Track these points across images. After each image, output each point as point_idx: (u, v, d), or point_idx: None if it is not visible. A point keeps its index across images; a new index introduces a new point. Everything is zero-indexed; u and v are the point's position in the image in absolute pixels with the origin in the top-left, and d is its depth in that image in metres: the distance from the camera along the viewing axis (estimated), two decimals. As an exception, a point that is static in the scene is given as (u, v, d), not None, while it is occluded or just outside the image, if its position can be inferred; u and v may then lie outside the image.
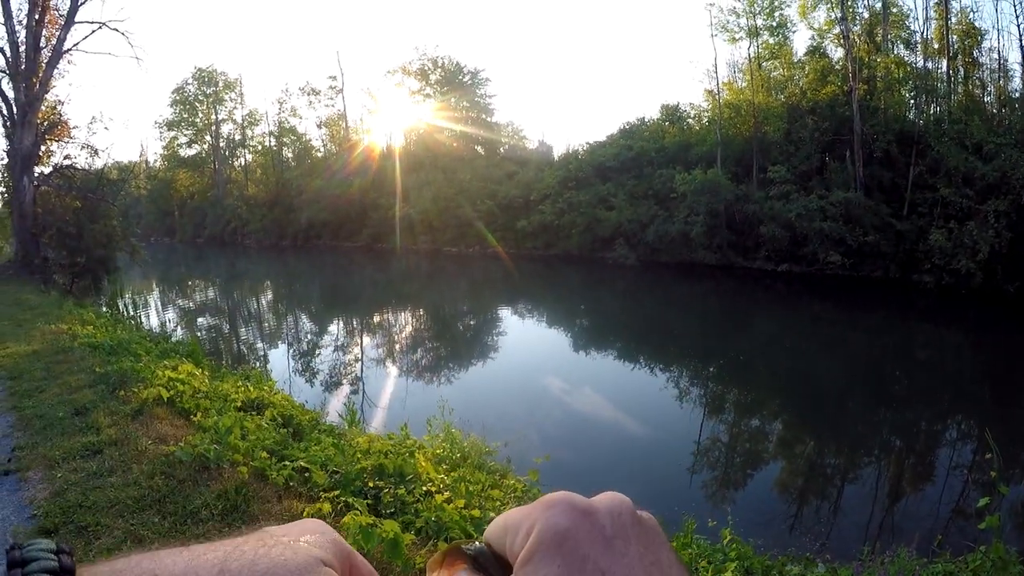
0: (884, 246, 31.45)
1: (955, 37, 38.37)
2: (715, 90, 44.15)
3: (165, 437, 6.15)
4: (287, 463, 5.63)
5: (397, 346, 21.97)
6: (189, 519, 4.55)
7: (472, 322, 27.25)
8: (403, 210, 50.68)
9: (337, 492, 5.11)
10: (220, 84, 70.77)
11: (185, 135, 72.04)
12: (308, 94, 67.42)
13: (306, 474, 5.54)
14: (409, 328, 25.95)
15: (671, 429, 13.72)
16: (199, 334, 21.87)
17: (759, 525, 9.18)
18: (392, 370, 18.30)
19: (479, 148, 61.80)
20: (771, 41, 43.11)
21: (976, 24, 39.15)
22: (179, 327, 23.93)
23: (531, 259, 42.17)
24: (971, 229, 28.57)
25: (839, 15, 38.75)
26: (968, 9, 40.80)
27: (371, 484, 5.48)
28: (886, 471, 12.28)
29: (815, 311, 28.33)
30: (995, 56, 39.32)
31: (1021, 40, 37.91)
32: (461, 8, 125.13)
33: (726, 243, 35.43)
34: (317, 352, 21.11)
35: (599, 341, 22.81)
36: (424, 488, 5.58)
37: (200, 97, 70.98)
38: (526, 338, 23.36)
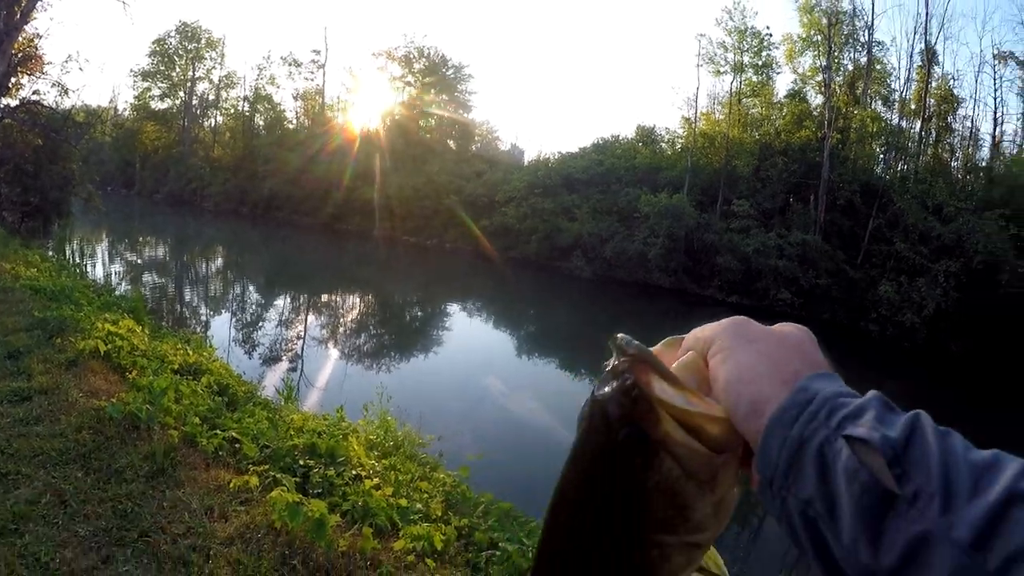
0: (835, 291, 32.17)
1: (933, 101, 39.78)
2: (692, 118, 44.70)
3: (97, 391, 6.06)
4: (219, 432, 5.59)
5: (342, 329, 21.83)
6: (113, 478, 4.49)
7: (420, 313, 27.19)
8: (368, 194, 50.21)
9: (266, 467, 5.07)
10: (203, 41, 69.46)
11: (159, 87, 70.26)
12: (289, 64, 66.11)
13: (237, 445, 5.50)
14: (356, 312, 25.80)
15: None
16: (144, 291, 21.45)
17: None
18: (334, 352, 18.20)
19: (451, 143, 61.62)
20: (754, 79, 43.83)
21: (955, 91, 40.83)
22: (124, 281, 23.48)
23: (487, 259, 42.20)
24: (920, 285, 29.50)
25: (824, 64, 39.65)
26: (949, 76, 41.83)
27: (301, 462, 5.46)
28: None
29: (759, 346, 28.69)
30: (968, 124, 41.03)
31: (995, 113, 39.33)
32: (453, 3, 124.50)
33: (682, 268, 35.78)
34: (260, 325, 20.91)
35: (544, 348, 22.90)
36: (354, 472, 5.58)
37: (180, 52, 69.56)
38: (472, 336, 23.38)
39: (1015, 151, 40.01)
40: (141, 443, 5.04)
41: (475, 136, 64.80)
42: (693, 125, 44.31)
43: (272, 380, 12.52)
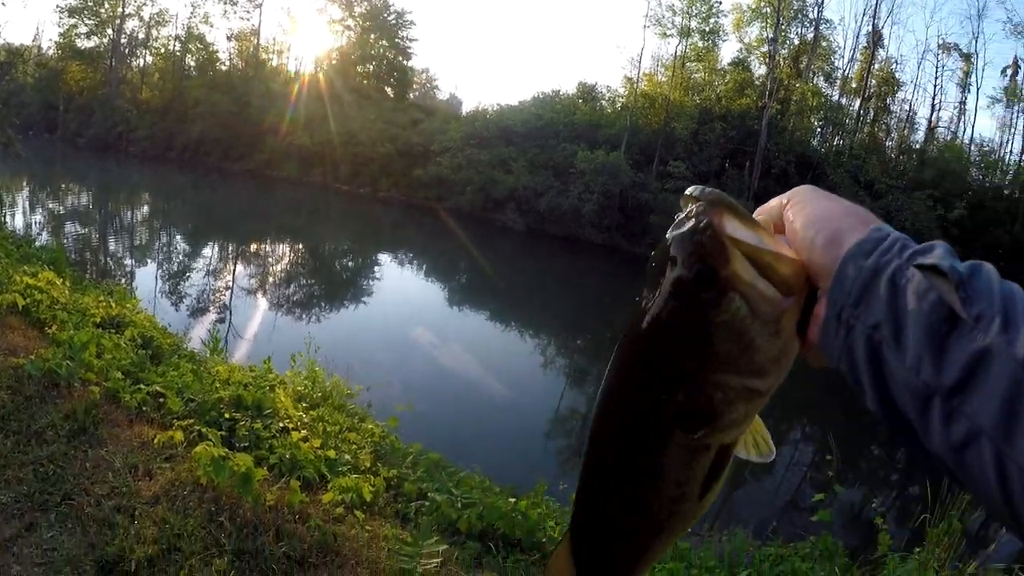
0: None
1: (874, 81, 42.15)
2: (635, 79, 45.08)
3: (15, 348, 5.89)
4: (142, 386, 5.52)
5: (270, 279, 21.51)
6: (34, 439, 4.38)
7: (351, 264, 26.96)
8: (301, 140, 49.00)
9: (191, 421, 5.03)
10: (131, -27, 66.28)
11: (86, 24, 65.77)
12: (224, 2, 63.19)
13: (161, 399, 5.44)
14: (286, 262, 25.45)
15: (533, 395, 14.08)
16: (65, 241, 20.77)
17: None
18: (263, 302, 17.97)
19: (389, 90, 60.60)
20: (700, 44, 44.33)
21: (896, 75, 43.27)
22: (45, 232, 22.74)
23: (421, 209, 41.91)
24: None
25: (771, 36, 40.31)
26: (892, 60, 44.04)
27: (227, 415, 5.42)
28: (731, 462, 12.99)
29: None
30: (906, 107, 43.31)
31: (934, 99, 40.90)
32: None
33: (615, 225, 36.18)
34: (187, 275, 20.48)
35: (475, 300, 23.00)
36: (281, 424, 5.57)
37: None
38: (402, 287, 23.32)
39: (949, 137, 42.02)
40: (62, 401, 4.95)
41: (413, 84, 63.83)
42: (635, 85, 44.57)
43: (199, 332, 12.34)
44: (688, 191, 0.71)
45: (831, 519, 5.74)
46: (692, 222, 0.67)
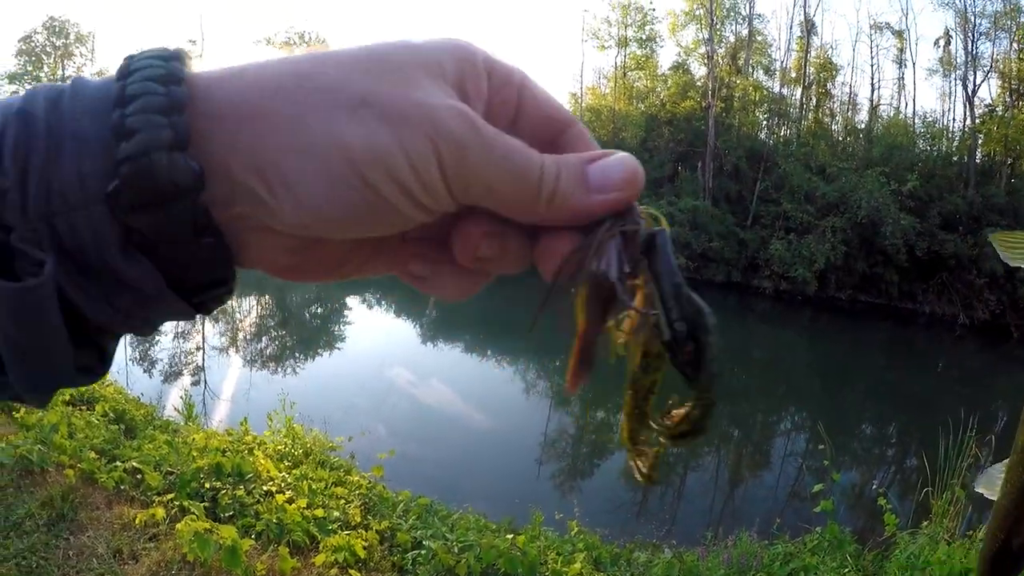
0: (728, 252, 33.54)
1: (812, 69, 43.02)
2: (579, 93, 45.43)
3: (-17, 436, 5.76)
4: (118, 464, 5.39)
5: (241, 334, 21.23)
6: (12, 532, 4.24)
7: (319, 311, 26.72)
8: None
9: (172, 495, 4.92)
10: (71, 36, 65.81)
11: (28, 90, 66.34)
12: None
13: (139, 476, 5.30)
14: (254, 316, 25.15)
15: (519, 421, 14.00)
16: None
17: (607, 513, 9.54)
18: (235, 360, 17.73)
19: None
20: (639, 52, 44.83)
21: (833, 60, 43.96)
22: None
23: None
24: (809, 242, 31.62)
25: (706, 36, 41.06)
26: (827, 46, 45.09)
27: (208, 485, 5.30)
28: (727, 460, 13.18)
29: (659, 310, 29.74)
30: (847, 90, 44.63)
31: (872, 79, 42.19)
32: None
33: (576, 241, 36.38)
34: (155, 339, 20.15)
35: (447, 333, 22.87)
36: (264, 488, 5.46)
37: (48, 49, 65.49)
38: (373, 329, 23.17)
39: (892, 114, 43.23)
40: (37, 489, 4.81)
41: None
42: (580, 100, 44.91)
43: (173, 398, 12.10)
44: None
45: (834, 507, 5.74)
46: None
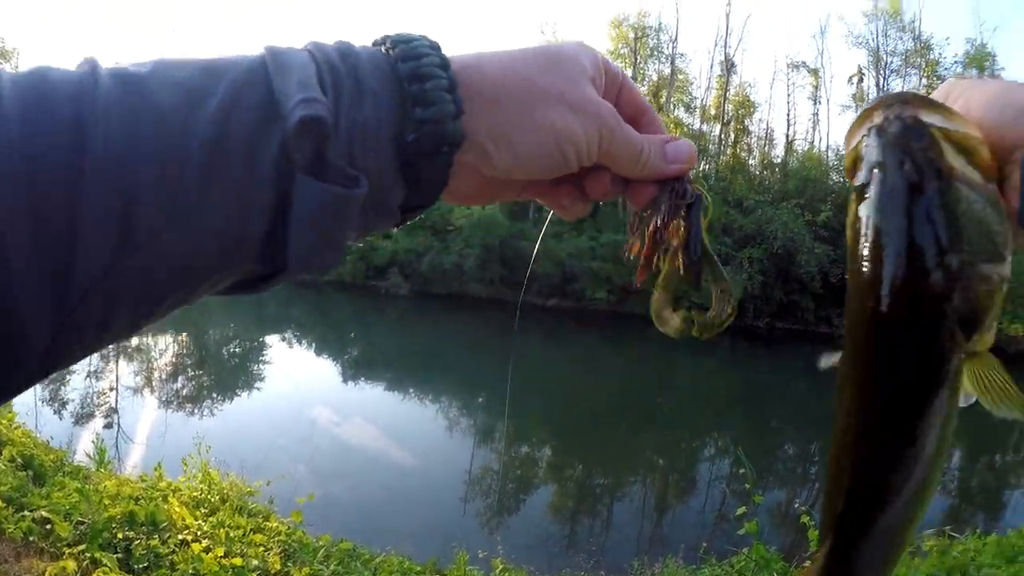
0: (648, 285, 34.00)
1: (731, 106, 45.57)
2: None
3: None
4: (26, 513, 5.18)
5: (156, 374, 20.62)
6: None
7: (237, 349, 26.15)
8: None
9: (83, 546, 4.75)
10: (-5, 52, 63.62)
11: None
12: None
13: (48, 526, 5.12)
14: (170, 354, 24.45)
15: (443, 459, 13.91)
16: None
17: (534, 548, 9.58)
18: (150, 401, 17.18)
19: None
20: (565, 88, 46.17)
21: (751, 97, 46.64)
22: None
23: (303, 284, 41.28)
24: (727, 272, 32.41)
25: (631, 74, 42.46)
26: (746, 84, 47.30)
27: (121, 535, 5.14)
28: (653, 487, 13.41)
29: (583, 343, 30.28)
30: (764, 126, 46.59)
31: (788, 115, 44.63)
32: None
33: (498, 277, 36.53)
34: (66, 379, 19.42)
35: (369, 372, 22.67)
36: (180, 537, 5.32)
37: None
38: (294, 367, 22.71)
39: (807, 148, 45.25)
40: (-62, 544, 4.61)
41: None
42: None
43: (84, 442, 11.66)
44: (870, 103, 0.70)
45: (759, 528, 5.87)
46: (898, 124, 0.66)
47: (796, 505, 9.69)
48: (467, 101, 0.57)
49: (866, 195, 0.69)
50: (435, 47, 0.58)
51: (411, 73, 0.55)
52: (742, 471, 7.14)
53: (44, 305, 0.43)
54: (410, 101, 0.55)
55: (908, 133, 0.66)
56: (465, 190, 0.67)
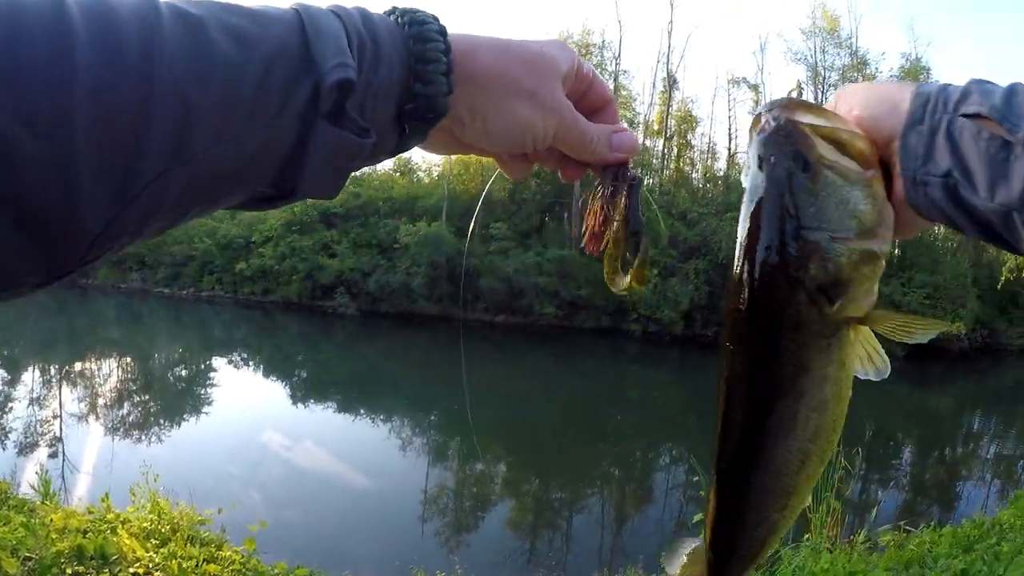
0: (596, 299, 34.79)
1: (674, 122, 46.88)
2: (448, 146, 46.40)
3: None
4: (-30, 551, 5.02)
5: (101, 401, 20.04)
6: None
7: (183, 373, 25.65)
8: None
9: (31, 584, 4.62)
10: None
11: None
12: None
13: (-7, 564, 4.96)
14: (115, 380, 23.84)
15: (398, 479, 13.82)
16: None
17: (495, 565, 9.62)
18: (96, 428, 16.68)
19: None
20: (506, 108, 46.69)
21: (693, 112, 48.22)
22: None
23: (248, 305, 40.74)
24: (674, 284, 33.44)
25: None
26: (688, 100, 49.02)
27: (69, 571, 5.01)
28: (611, 499, 13.55)
29: (532, 359, 30.42)
30: (706, 140, 47.82)
31: (729, 129, 45.55)
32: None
33: (446, 295, 36.57)
34: (8, 406, 18.81)
35: (319, 393, 22.46)
36: (131, 570, 5.21)
37: None
38: (242, 390, 22.36)
39: None
40: None
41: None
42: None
43: (28, 473, 11.27)
44: (759, 108, 0.83)
45: None
46: (773, 124, 0.80)
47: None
48: (458, 83, 0.70)
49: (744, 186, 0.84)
50: (443, 32, 0.70)
51: (419, 54, 0.68)
52: (696, 479, 7.25)
53: (104, 200, 0.52)
54: (413, 76, 0.68)
55: (781, 131, 0.78)
56: (437, 145, 0.81)
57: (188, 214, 0.61)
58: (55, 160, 0.48)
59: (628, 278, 0.93)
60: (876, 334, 0.83)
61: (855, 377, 0.85)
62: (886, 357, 0.84)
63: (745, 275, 0.81)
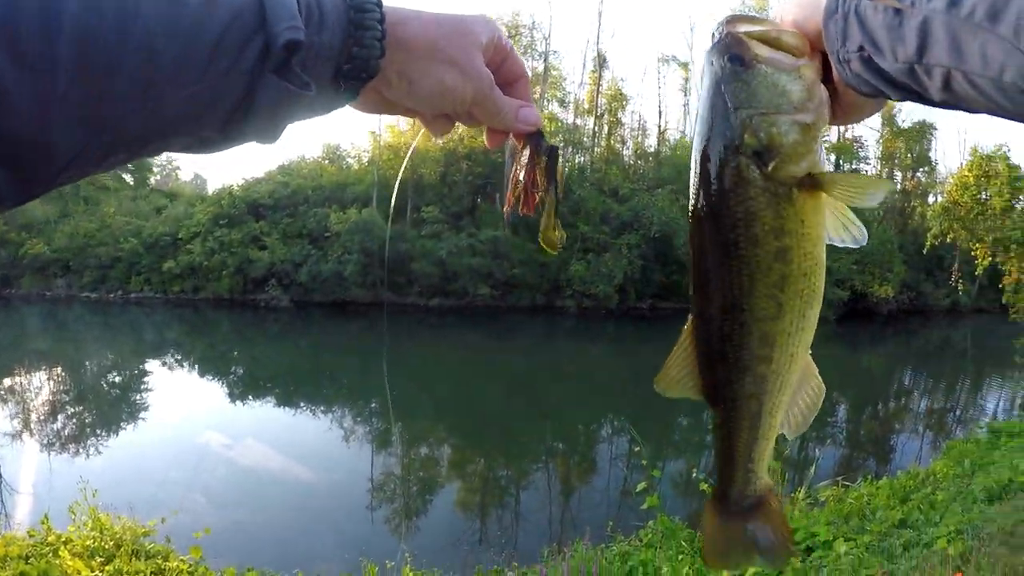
0: (530, 277, 35.09)
1: (604, 100, 47.28)
2: (377, 131, 46.42)
3: None
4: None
5: (35, 415, 19.47)
6: None
7: (117, 379, 25.05)
8: (36, 248, 43.41)
9: (-25, 617, 4.61)
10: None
11: None
12: None
13: (-66, 599, 4.94)
14: (46, 392, 23.13)
15: (343, 470, 13.89)
16: None
17: (447, 548, 9.77)
18: (30, 445, 16.23)
19: (127, 176, 56.80)
20: (436, 88, 46.62)
21: (623, 91, 48.70)
22: None
23: (179, 304, 39.92)
24: (607, 259, 33.88)
25: None
26: (618, 79, 49.94)
27: (15, 599, 5.01)
28: (556, 474, 13.83)
29: (468, 340, 30.54)
30: (636, 117, 48.01)
31: (659, 106, 46.67)
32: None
33: (379, 281, 36.41)
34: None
35: (256, 389, 22.28)
36: (77, 591, 5.20)
37: None
38: (178, 393, 21.95)
39: (679, 137, 48.37)
40: None
41: (153, 168, 60.51)
42: (378, 138, 45.40)
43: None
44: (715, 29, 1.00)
45: (660, 501, 6.17)
46: (718, 36, 0.97)
47: (695, 474, 10.14)
48: (389, 48, 0.81)
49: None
50: (379, 4, 0.80)
51: (358, 22, 0.78)
52: (637, 449, 7.47)
53: (76, 133, 0.61)
54: (351, 40, 0.78)
55: (723, 40, 0.96)
56: (367, 103, 0.90)
57: (143, 151, 0.71)
58: (38, 94, 0.57)
59: (556, 236, 1.08)
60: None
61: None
62: (861, 225, 1.02)
63: (699, 152, 1.00)
